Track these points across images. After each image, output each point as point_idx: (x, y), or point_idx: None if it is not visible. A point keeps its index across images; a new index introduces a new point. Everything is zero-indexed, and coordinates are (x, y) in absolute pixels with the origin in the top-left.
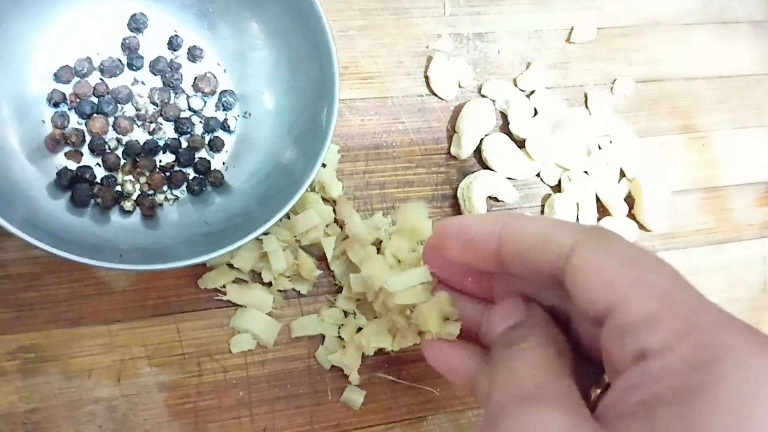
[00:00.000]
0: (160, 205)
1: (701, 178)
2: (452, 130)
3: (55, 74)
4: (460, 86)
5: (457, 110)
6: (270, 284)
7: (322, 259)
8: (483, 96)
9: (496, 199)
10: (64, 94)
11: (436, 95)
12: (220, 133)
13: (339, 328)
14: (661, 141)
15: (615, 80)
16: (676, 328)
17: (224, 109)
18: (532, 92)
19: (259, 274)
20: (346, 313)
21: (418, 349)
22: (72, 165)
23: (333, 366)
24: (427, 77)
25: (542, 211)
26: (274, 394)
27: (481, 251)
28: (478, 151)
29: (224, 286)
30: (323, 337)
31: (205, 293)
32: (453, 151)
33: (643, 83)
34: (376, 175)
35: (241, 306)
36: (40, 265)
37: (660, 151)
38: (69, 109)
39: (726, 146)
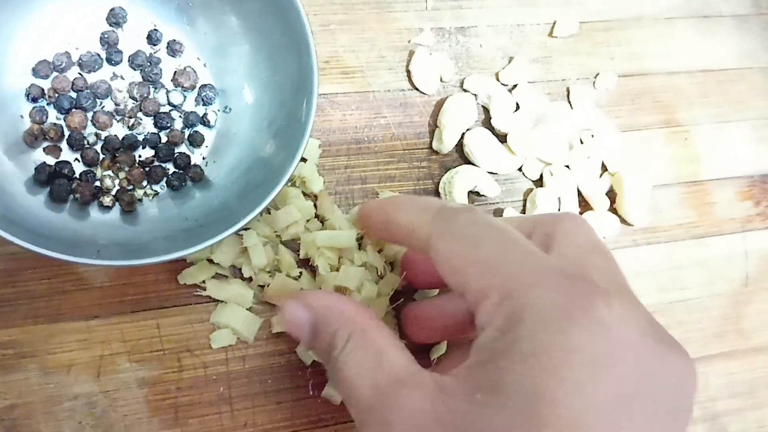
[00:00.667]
0: (140, 200)
1: (683, 172)
2: (434, 125)
3: (33, 69)
4: (442, 81)
5: (439, 105)
6: (250, 279)
7: None
8: (465, 90)
9: (477, 194)
10: (42, 89)
11: (417, 90)
12: (199, 128)
13: None
14: (642, 135)
15: (597, 75)
16: (496, 300)
17: (204, 104)
18: (514, 86)
19: (240, 269)
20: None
21: None
22: (51, 160)
23: (314, 361)
24: (408, 72)
25: (524, 206)
26: (254, 390)
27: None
28: (459, 145)
29: (204, 282)
30: None
31: (185, 289)
32: (435, 145)
33: (626, 77)
34: (358, 169)
35: (221, 301)
36: (17, 261)
37: (642, 145)
38: (47, 104)
39: (708, 141)
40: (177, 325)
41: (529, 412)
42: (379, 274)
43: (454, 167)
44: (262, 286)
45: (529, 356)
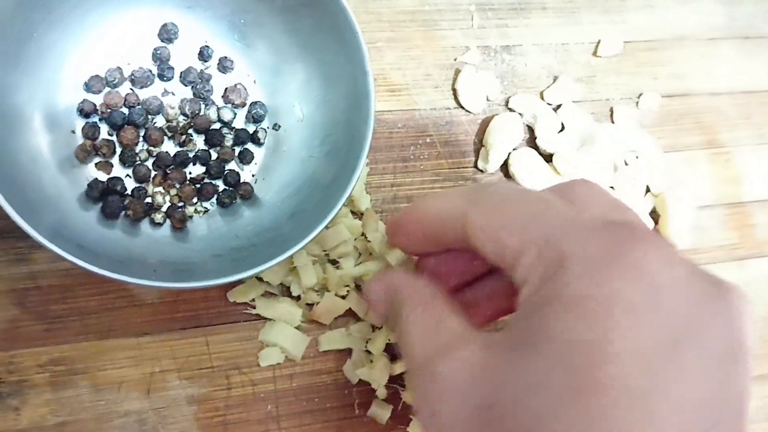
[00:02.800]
0: (190, 217)
1: (725, 193)
2: (479, 144)
3: (85, 84)
4: (487, 99)
5: (485, 124)
6: (299, 298)
7: None
8: (510, 110)
9: None
10: (94, 105)
11: (463, 108)
12: (249, 146)
13: (366, 342)
14: (685, 156)
15: (641, 94)
16: (534, 252)
17: (254, 121)
18: (559, 106)
19: (288, 287)
20: (373, 327)
21: None
22: (102, 176)
23: (360, 380)
24: (454, 90)
25: None
26: (301, 408)
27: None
28: (505, 165)
29: (253, 300)
30: (350, 350)
31: (234, 306)
32: (480, 164)
33: (669, 98)
34: (404, 188)
35: (269, 319)
36: (70, 277)
37: (684, 166)
38: (100, 120)
39: (749, 162)
40: (226, 342)
41: (567, 360)
42: None
43: None
44: (311, 305)
45: (570, 304)
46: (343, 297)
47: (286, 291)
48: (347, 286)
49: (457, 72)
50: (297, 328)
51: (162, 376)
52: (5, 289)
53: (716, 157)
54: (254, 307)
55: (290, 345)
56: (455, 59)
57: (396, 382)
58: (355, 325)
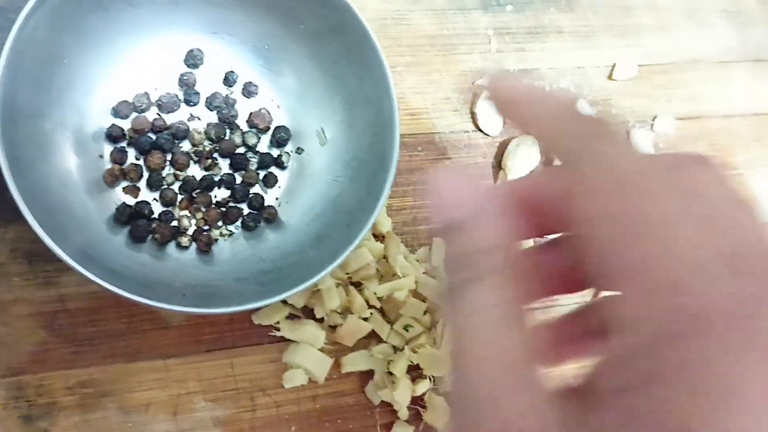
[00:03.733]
0: (216, 240)
1: None
2: (498, 166)
3: (113, 109)
4: (505, 123)
5: (503, 146)
6: (322, 320)
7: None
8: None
9: None
10: (122, 130)
11: (481, 131)
12: (273, 169)
13: (388, 363)
14: None
15: (656, 117)
16: (649, 285)
17: (278, 146)
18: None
19: (311, 309)
20: (395, 349)
21: None
22: (129, 200)
23: (382, 401)
24: (473, 113)
25: None
26: (324, 429)
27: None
28: None
29: (278, 322)
30: (373, 372)
31: (259, 328)
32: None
33: (683, 120)
34: (423, 210)
35: (293, 341)
36: (97, 300)
37: None
38: (127, 145)
39: (762, 183)
40: (250, 364)
41: None
42: None
43: None
44: (334, 327)
45: (696, 392)
46: (366, 319)
47: (309, 313)
48: (370, 308)
49: (476, 95)
50: (320, 350)
51: (188, 398)
52: (34, 312)
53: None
54: (278, 330)
55: (314, 366)
56: (473, 83)
57: (418, 403)
58: (377, 347)
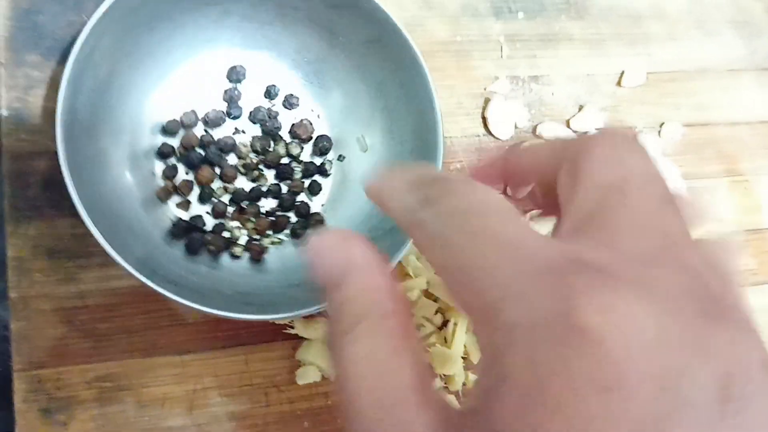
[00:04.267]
0: (266, 248)
1: (744, 220)
2: None
3: (163, 127)
4: (516, 127)
5: None
6: None
7: None
8: (538, 137)
9: None
10: (172, 146)
11: (492, 135)
12: (317, 177)
13: None
14: (706, 184)
15: (663, 124)
16: (480, 347)
17: (320, 154)
18: (585, 133)
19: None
20: None
21: None
22: (182, 213)
23: None
24: (484, 118)
25: None
26: (337, 426)
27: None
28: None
29: (292, 321)
30: None
31: (273, 326)
32: (508, 191)
33: (691, 128)
34: None
35: (307, 339)
36: (116, 296)
37: (705, 194)
38: (177, 161)
39: None
40: (264, 361)
41: None
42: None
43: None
44: None
45: (520, 402)
46: None
47: (323, 312)
48: None
49: (487, 101)
50: None
51: (204, 393)
52: (55, 308)
53: (736, 186)
54: (293, 327)
55: (326, 364)
56: (485, 88)
57: None
58: None
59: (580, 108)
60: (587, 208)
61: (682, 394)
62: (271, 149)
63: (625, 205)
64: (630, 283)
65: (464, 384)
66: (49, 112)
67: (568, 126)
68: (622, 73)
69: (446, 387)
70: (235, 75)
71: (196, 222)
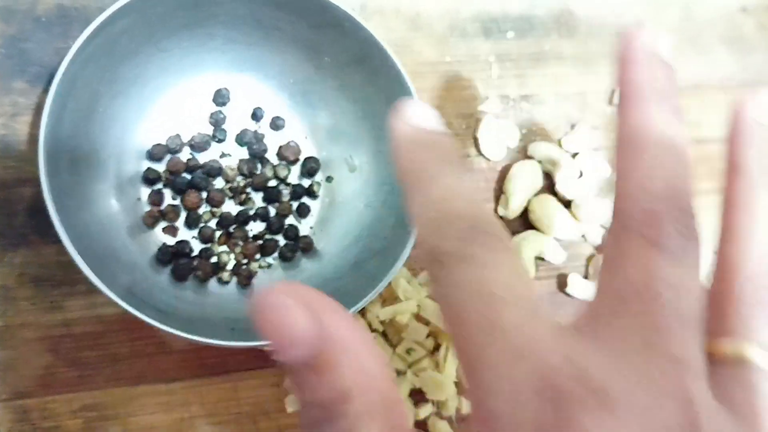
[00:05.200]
0: (255, 273)
1: None
2: (499, 191)
3: (148, 152)
4: (507, 148)
5: (504, 171)
6: None
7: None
8: (529, 157)
9: (542, 259)
10: (158, 172)
11: (483, 156)
12: (305, 199)
13: None
14: (700, 203)
15: None
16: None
17: (308, 176)
18: (576, 154)
19: None
20: (398, 372)
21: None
22: (169, 239)
23: None
24: (475, 138)
25: (586, 271)
26: None
27: None
28: (524, 211)
29: None
30: None
31: (262, 352)
32: (500, 211)
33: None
34: None
35: None
36: (102, 324)
37: (700, 212)
38: (164, 186)
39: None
40: (253, 388)
41: None
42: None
43: (520, 233)
44: None
45: None
46: None
47: None
48: (373, 331)
49: (477, 121)
50: None
51: (191, 422)
52: (40, 336)
53: None
54: None
55: None
56: (476, 108)
57: (421, 427)
58: None
59: (572, 127)
60: (610, 308)
61: None
62: (258, 172)
63: (643, 320)
64: (625, 411)
65: (457, 409)
66: (35, 139)
67: (560, 145)
68: (613, 91)
69: (438, 413)
70: (220, 98)
71: (183, 247)
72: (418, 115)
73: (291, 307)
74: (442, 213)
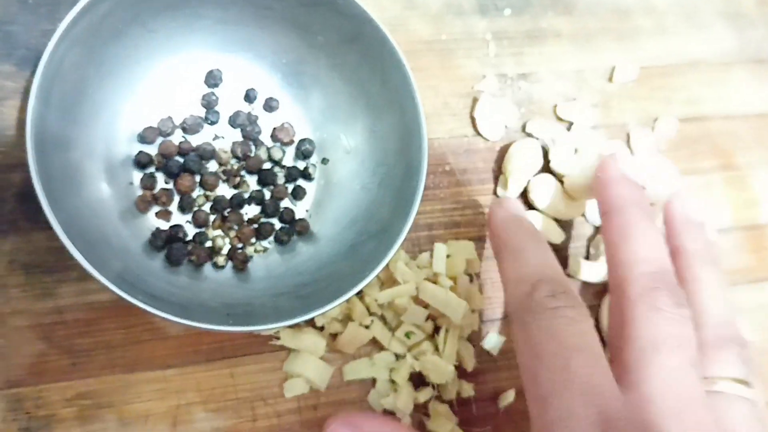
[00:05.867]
0: (250, 257)
1: (742, 216)
2: (498, 171)
3: (139, 135)
4: (505, 127)
5: (503, 151)
6: (322, 328)
7: None
8: (528, 134)
9: None
10: (150, 156)
11: (481, 136)
12: (301, 182)
13: (390, 371)
14: (701, 180)
15: (656, 119)
16: None
17: (303, 158)
18: (572, 124)
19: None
20: (397, 357)
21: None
22: (163, 224)
23: (385, 409)
24: (472, 118)
25: (587, 251)
26: None
27: None
28: (524, 191)
29: (278, 331)
30: (375, 380)
31: (258, 337)
32: (499, 192)
33: (684, 122)
34: (424, 216)
35: (294, 350)
36: (95, 311)
37: (701, 190)
38: (156, 170)
39: (765, 184)
40: (250, 373)
41: None
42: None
43: None
44: (334, 335)
45: None
46: (367, 326)
47: (309, 321)
48: (371, 315)
49: (475, 100)
50: (321, 358)
51: (187, 409)
52: (32, 324)
53: (732, 180)
54: (278, 338)
55: (315, 375)
56: (472, 87)
57: (421, 411)
58: (379, 355)
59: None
60: (632, 361)
61: None
62: (252, 154)
63: (660, 371)
64: None
65: (458, 393)
66: (23, 124)
67: (555, 113)
68: (613, 68)
69: (439, 396)
70: (212, 79)
71: (177, 232)
72: (512, 204)
73: None
74: (535, 275)
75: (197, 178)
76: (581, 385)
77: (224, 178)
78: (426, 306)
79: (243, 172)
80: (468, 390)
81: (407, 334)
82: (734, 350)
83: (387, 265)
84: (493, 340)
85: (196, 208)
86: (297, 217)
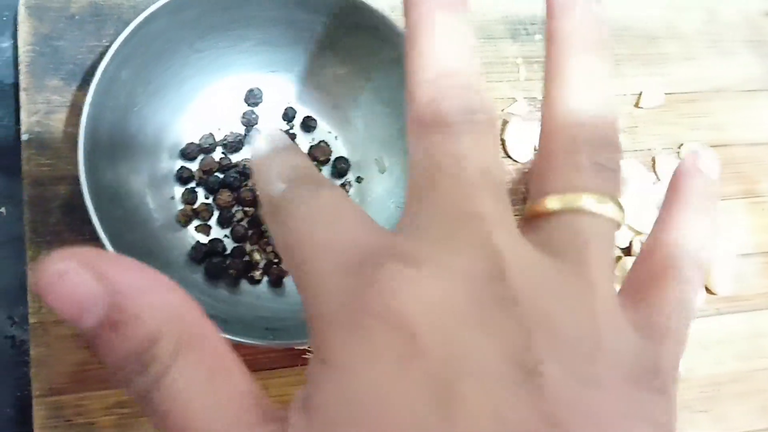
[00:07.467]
0: (286, 273)
1: (763, 241)
2: (527, 192)
3: (181, 151)
4: (534, 149)
5: (532, 173)
6: None
7: None
8: None
9: None
10: (191, 171)
11: (511, 158)
12: None
13: None
14: (725, 205)
15: (681, 145)
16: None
17: (339, 176)
18: None
19: None
20: None
21: None
22: (202, 238)
23: None
24: (502, 140)
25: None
26: None
27: None
28: None
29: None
30: None
31: (293, 350)
32: None
33: (709, 148)
34: None
35: None
36: None
37: (724, 215)
38: (197, 185)
39: None
40: (285, 386)
41: None
42: None
43: None
44: None
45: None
46: None
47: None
48: None
49: (505, 123)
50: None
51: None
52: (74, 333)
53: (755, 206)
54: (312, 352)
55: None
56: (503, 110)
57: None
58: None
59: None
60: (416, 199)
61: (470, 360)
62: None
63: (435, 193)
64: (430, 266)
65: None
66: (69, 137)
67: None
68: (640, 93)
69: None
70: (252, 98)
71: (216, 245)
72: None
73: (73, 271)
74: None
75: (236, 194)
76: (329, 248)
77: None
78: None
79: None
80: None
81: None
82: (604, 155)
83: None
84: None
85: (234, 223)
86: None
